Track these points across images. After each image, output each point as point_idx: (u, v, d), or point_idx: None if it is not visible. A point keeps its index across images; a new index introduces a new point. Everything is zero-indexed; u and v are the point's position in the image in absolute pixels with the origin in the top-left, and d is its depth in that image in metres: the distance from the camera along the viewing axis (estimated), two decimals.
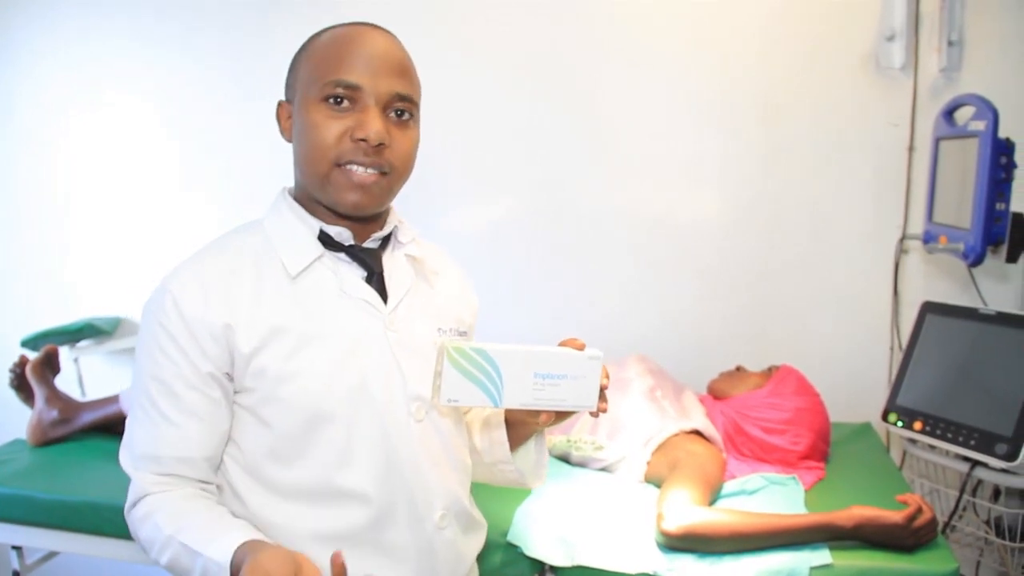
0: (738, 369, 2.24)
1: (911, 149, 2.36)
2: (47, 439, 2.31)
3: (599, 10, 2.49)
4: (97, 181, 2.89)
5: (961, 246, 2.01)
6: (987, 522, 2.02)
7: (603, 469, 2.03)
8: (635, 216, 2.55)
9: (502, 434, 1.33)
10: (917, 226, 2.33)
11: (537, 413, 1.21)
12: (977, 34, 2.27)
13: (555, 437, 2.10)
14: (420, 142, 1.27)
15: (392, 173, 1.20)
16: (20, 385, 2.40)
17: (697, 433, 2.01)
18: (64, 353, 2.63)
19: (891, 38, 2.31)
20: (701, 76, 2.47)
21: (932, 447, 2.00)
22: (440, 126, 2.59)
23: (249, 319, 1.16)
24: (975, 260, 1.99)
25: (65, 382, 2.51)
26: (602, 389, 1.21)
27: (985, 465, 1.85)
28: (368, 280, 1.24)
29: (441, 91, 2.58)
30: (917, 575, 1.56)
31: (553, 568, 1.67)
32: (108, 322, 2.84)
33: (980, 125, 1.97)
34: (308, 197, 1.24)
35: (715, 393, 2.22)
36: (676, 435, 1.97)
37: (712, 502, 1.81)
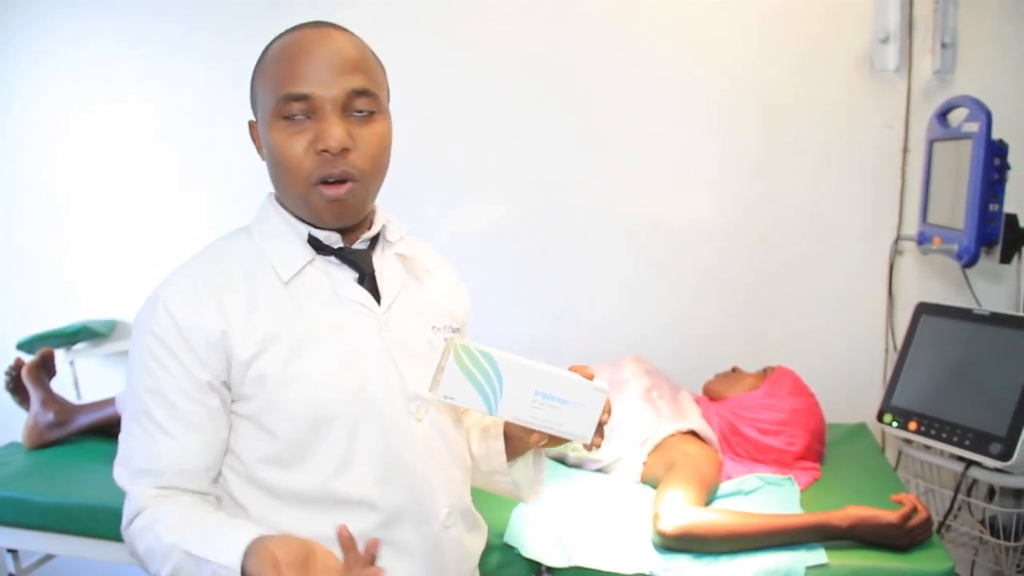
0: (734, 370, 2.25)
1: (905, 150, 2.37)
2: (43, 442, 2.31)
3: (598, 11, 2.49)
4: (95, 183, 2.89)
5: (955, 247, 2.02)
6: (982, 522, 2.02)
7: (599, 470, 2.03)
8: (633, 217, 2.56)
9: (500, 444, 1.32)
10: (912, 227, 2.34)
11: (530, 431, 1.19)
12: (970, 36, 2.28)
13: None
14: (400, 132, 1.25)
15: (363, 177, 1.18)
16: (16, 388, 2.40)
17: (693, 434, 2.01)
18: (60, 356, 2.63)
19: (885, 40, 2.32)
20: (698, 78, 2.48)
21: (927, 447, 2.00)
22: (440, 127, 2.61)
23: (245, 325, 1.15)
24: (969, 261, 2.00)
25: (61, 385, 2.51)
26: (601, 424, 1.19)
27: (980, 465, 1.85)
28: (360, 281, 1.23)
29: (441, 92, 2.60)
30: (912, 574, 1.57)
31: (550, 569, 1.68)
32: (104, 325, 2.83)
33: (973, 127, 1.97)
34: (283, 202, 1.25)
35: (711, 394, 2.22)
36: (672, 436, 1.98)
37: (708, 503, 1.81)
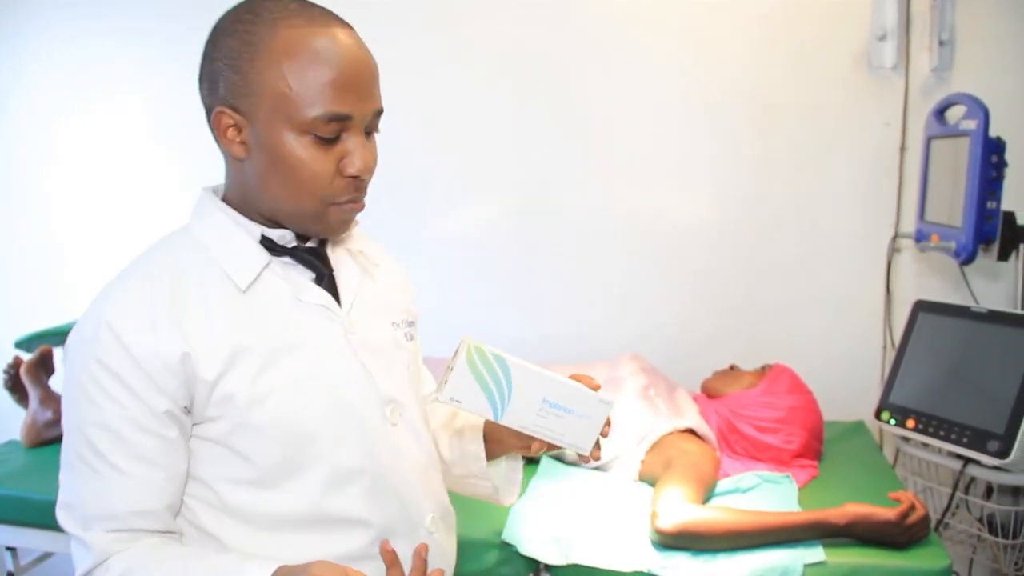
0: (732, 368, 2.25)
1: (903, 148, 2.37)
2: (41, 440, 2.31)
3: (594, 11, 2.49)
4: (93, 182, 2.89)
5: (953, 244, 2.02)
6: (980, 519, 2.03)
7: (597, 468, 2.04)
8: (629, 216, 2.56)
9: (479, 447, 1.27)
10: (909, 225, 2.34)
11: (528, 440, 1.17)
12: (968, 33, 2.28)
13: None
14: (396, 133, 1.17)
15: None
16: (14, 386, 2.40)
17: (691, 432, 2.01)
18: (58, 354, 2.62)
19: (883, 38, 2.32)
20: (695, 76, 2.48)
21: (925, 445, 2.00)
22: (434, 128, 2.61)
23: (207, 342, 1.02)
24: (967, 258, 2.00)
25: (59, 383, 2.50)
26: (601, 436, 1.17)
27: (977, 462, 1.85)
28: (318, 282, 1.13)
29: (436, 92, 2.60)
30: (910, 572, 1.57)
31: (548, 567, 1.68)
32: None
33: (971, 124, 1.98)
34: (245, 202, 1.10)
35: (709, 392, 2.22)
36: (670, 434, 1.98)
37: (706, 500, 1.81)
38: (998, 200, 1.98)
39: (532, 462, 2.02)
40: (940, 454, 1.98)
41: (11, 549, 2.17)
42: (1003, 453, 1.77)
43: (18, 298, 2.98)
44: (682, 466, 1.83)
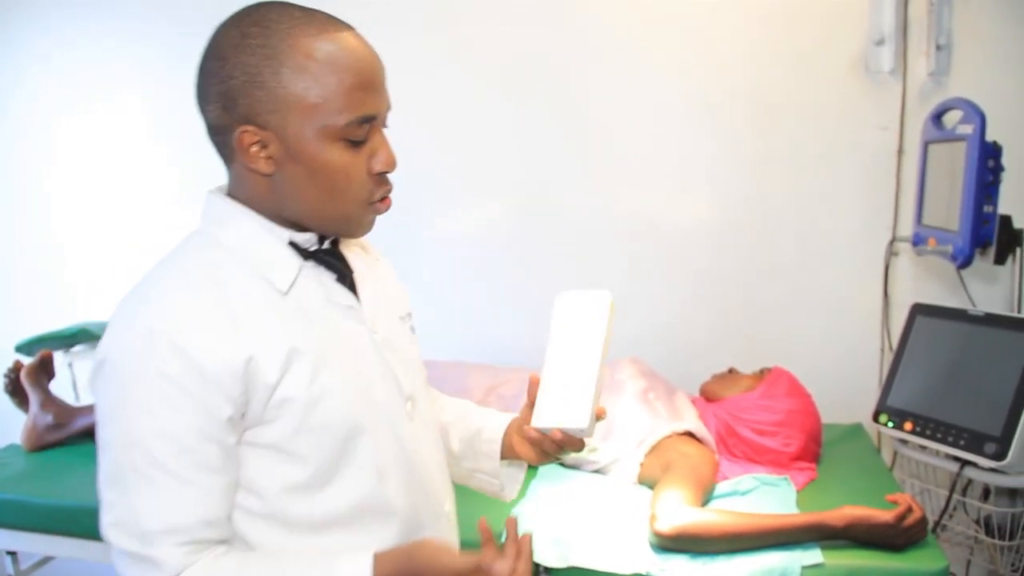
0: (730, 371, 2.26)
1: (900, 152, 2.38)
2: (42, 444, 2.32)
3: (590, 13, 2.50)
4: (92, 185, 2.90)
5: (950, 248, 2.03)
6: (977, 521, 2.03)
7: (596, 471, 2.04)
8: (628, 218, 2.57)
9: (494, 449, 1.30)
10: (907, 228, 2.35)
11: (539, 454, 1.22)
12: (965, 38, 2.29)
13: None
14: (394, 133, 1.13)
15: None
16: (15, 390, 2.41)
17: (690, 435, 2.02)
18: (59, 358, 2.63)
19: (880, 42, 2.33)
20: (692, 79, 2.49)
21: (922, 447, 2.01)
22: (431, 129, 2.62)
23: (265, 346, 1.02)
24: (964, 262, 2.01)
25: (60, 387, 2.51)
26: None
27: (975, 465, 1.86)
28: (340, 282, 1.14)
29: (434, 94, 2.60)
30: (907, 573, 1.58)
31: (547, 569, 1.68)
32: (103, 327, 2.80)
33: (968, 129, 1.98)
34: (268, 208, 1.08)
35: (707, 395, 2.23)
36: (669, 437, 1.98)
37: (705, 503, 1.82)
38: (995, 204, 1.99)
39: (531, 465, 2.02)
40: (937, 456, 1.98)
41: (11, 553, 2.17)
42: (1000, 455, 1.78)
43: (19, 302, 2.99)
44: (681, 469, 1.83)
